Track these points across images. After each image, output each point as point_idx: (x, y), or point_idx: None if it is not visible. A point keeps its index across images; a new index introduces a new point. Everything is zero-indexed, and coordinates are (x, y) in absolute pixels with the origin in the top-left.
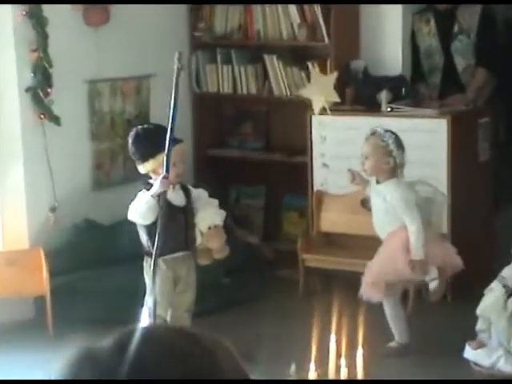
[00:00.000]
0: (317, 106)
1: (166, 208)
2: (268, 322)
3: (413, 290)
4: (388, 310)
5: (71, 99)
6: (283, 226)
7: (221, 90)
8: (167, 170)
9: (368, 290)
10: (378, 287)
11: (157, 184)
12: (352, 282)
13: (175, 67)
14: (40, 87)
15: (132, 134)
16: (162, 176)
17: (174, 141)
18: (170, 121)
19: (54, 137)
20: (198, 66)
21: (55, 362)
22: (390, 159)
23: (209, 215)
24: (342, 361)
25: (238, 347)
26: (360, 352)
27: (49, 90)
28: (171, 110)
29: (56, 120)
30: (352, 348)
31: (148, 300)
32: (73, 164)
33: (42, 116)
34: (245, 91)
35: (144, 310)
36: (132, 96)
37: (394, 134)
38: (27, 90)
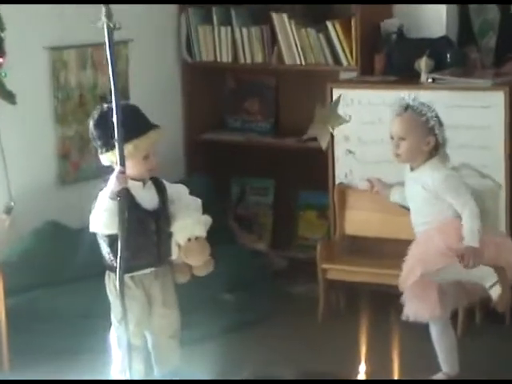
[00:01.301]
0: (324, 141)
1: (130, 211)
2: (280, 350)
3: (462, 310)
4: (436, 333)
5: (29, 71)
6: (298, 229)
7: (218, 59)
8: (122, 163)
9: (414, 307)
10: (429, 298)
11: (112, 181)
12: (385, 298)
13: (103, 25)
14: None
15: (95, 114)
16: (116, 171)
17: (146, 126)
18: (114, 99)
19: (7, 119)
20: (188, 29)
21: None
22: (430, 138)
23: (189, 223)
24: None
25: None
26: None
27: (0, 60)
28: (112, 87)
29: (10, 97)
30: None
31: (115, 325)
32: (32, 153)
33: None
34: (248, 60)
35: (112, 338)
36: (105, 67)
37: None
38: None
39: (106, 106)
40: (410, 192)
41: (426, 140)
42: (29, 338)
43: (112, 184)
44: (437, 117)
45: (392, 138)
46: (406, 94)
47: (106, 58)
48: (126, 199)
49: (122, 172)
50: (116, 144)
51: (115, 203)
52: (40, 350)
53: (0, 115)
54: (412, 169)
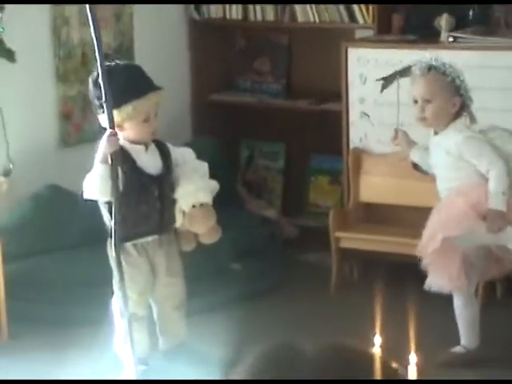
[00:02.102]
0: None
1: (131, 176)
2: (291, 322)
3: (482, 282)
4: (459, 305)
5: (29, 28)
6: (310, 195)
7: (227, 16)
8: (112, 126)
9: (436, 277)
10: (454, 268)
11: (102, 144)
12: (400, 268)
13: None
14: None
15: (94, 73)
16: (107, 133)
17: (147, 87)
18: (98, 59)
19: (6, 78)
20: None
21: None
22: (456, 99)
23: (194, 189)
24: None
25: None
26: (413, 360)
27: None
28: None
29: (9, 55)
30: (402, 355)
31: (117, 295)
32: (32, 114)
33: None
34: (259, 17)
35: (114, 307)
36: (110, 23)
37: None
38: None
39: (107, 64)
40: (434, 157)
41: (452, 101)
42: (28, 306)
43: (102, 147)
44: (462, 76)
45: (415, 101)
46: (427, 54)
47: (110, 13)
48: (118, 163)
49: (113, 134)
50: (124, 106)
51: (107, 168)
52: (40, 320)
53: None
54: (436, 133)
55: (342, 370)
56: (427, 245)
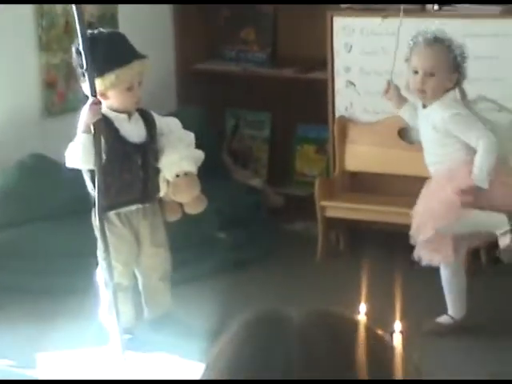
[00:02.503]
0: None
1: (114, 145)
2: (276, 291)
3: (467, 250)
4: (447, 276)
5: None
6: (295, 164)
7: None
8: (93, 94)
9: (428, 255)
10: (443, 244)
11: (84, 113)
12: (387, 237)
13: None
14: None
15: (77, 40)
16: (89, 101)
17: (130, 56)
18: (79, 27)
19: None
20: None
21: None
22: (454, 75)
23: (177, 158)
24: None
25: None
26: (398, 327)
27: None
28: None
29: None
30: (387, 323)
31: (101, 264)
32: (15, 83)
33: None
34: None
35: (99, 277)
36: None
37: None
38: None
39: (90, 32)
40: (422, 130)
41: (451, 77)
42: (12, 276)
43: (85, 116)
44: (465, 53)
45: (416, 71)
46: (436, 22)
47: None
48: (101, 132)
49: (96, 103)
50: (108, 74)
51: (89, 137)
52: (24, 290)
53: None
54: (424, 106)
55: (329, 336)
56: (418, 232)
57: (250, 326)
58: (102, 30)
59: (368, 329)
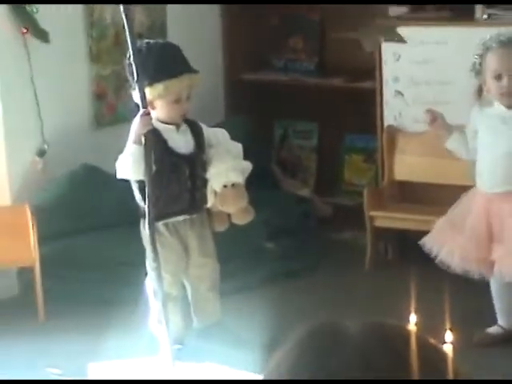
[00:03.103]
0: (368, 43)
1: (162, 156)
2: (325, 301)
3: None
4: (497, 285)
5: (62, 7)
6: (344, 173)
7: None
8: (144, 105)
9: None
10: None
11: (135, 124)
12: None
13: None
14: None
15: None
16: (140, 113)
17: (181, 68)
18: (129, 38)
19: (40, 58)
20: None
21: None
22: None
23: (225, 169)
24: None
25: (284, 333)
26: (449, 338)
27: None
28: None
29: (43, 35)
30: (438, 333)
31: (151, 275)
32: (67, 94)
33: (25, 30)
34: None
35: (148, 287)
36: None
37: None
38: None
39: (145, 41)
40: (499, 135)
41: None
42: (64, 287)
43: (135, 126)
44: None
45: (498, 75)
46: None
47: None
48: (151, 142)
49: (146, 114)
50: (157, 84)
51: (140, 148)
52: (76, 300)
53: (33, 55)
54: (510, 107)
55: (385, 347)
56: (437, 248)
57: (308, 338)
58: (157, 40)
59: (424, 340)
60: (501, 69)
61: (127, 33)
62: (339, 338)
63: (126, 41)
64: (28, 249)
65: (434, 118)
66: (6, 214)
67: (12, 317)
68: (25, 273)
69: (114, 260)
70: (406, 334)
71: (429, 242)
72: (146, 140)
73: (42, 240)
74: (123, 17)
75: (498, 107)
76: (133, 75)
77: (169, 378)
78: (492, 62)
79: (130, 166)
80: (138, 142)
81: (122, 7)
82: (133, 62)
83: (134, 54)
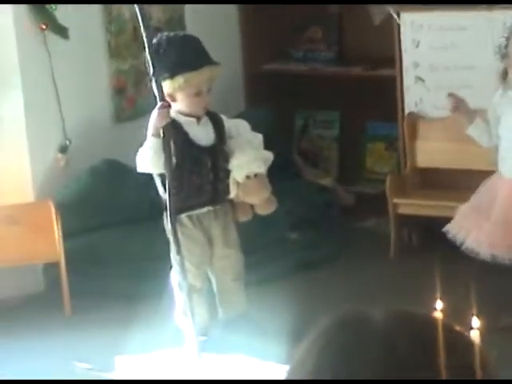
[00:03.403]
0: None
1: (184, 149)
2: (350, 289)
3: None
4: None
5: (80, 3)
6: (366, 162)
7: None
8: (162, 98)
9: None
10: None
11: (153, 117)
12: None
13: None
14: None
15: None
16: (158, 106)
17: (201, 61)
18: (144, 32)
19: (60, 54)
20: None
21: (75, 345)
22: None
23: (246, 160)
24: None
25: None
26: (475, 324)
27: None
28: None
29: (62, 31)
30: (464, 319)
31: (175, 267)
32: (87, 89)
33: (44, 27)
34: None
35: (173, 279)
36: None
37: None
38: None
39: (164, 34)
40: None
41: None
42: (88, 282)
43: (154, 119)
44: None
45: None
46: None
47: None
48: (171, 135)
49: (165, 106)
50: (178, 76)
51: (159, 141)
52: (101, 295)
53: (53, 51)
54: None
55: (411, 335)
56: (464, 235)
57: (335, 327)
58: (177, 32)
59: (449, 326)
60: None
61: (142, 26)
62: (364, 326)
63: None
64: (53, 245)
65: (457, 103)
66: (30, 210)
67: (39, 312)
68: (50, 269)
69: (137, 254)
70: (431, 321)
71: (453, 229)
72: (164, 133)
73: (66, 235)
74: (137, 10)
75: None
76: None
77: (194, 370)
78: None
79: (149, 159)
80: (156, 134)
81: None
82: (148, 55)
83: (149, 48)
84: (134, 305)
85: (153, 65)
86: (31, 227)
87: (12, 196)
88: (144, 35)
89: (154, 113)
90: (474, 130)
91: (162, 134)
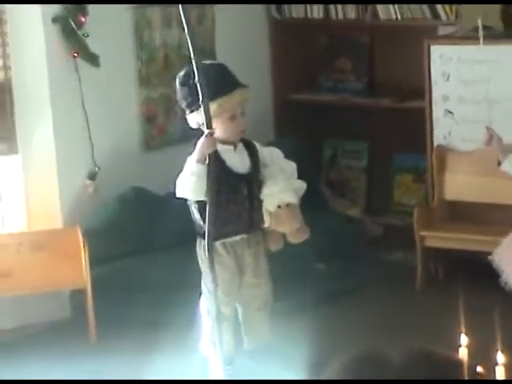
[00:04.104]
0: None
1: (221, 176)
2: (376, 321)
3: None
4: None
5: (112, 31)
6: (393, 193)
7: (309, 15)
8: (209, 125)
9: None
10: None
11: (199, 144)
12: (487, 267)
13: None
14: (71, 16)
15: (181, 73)
16: (205, 134)
17: (231, 85)
18: (192, 54)
19: (91, 82)
20: None
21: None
22: None
23: (278, 189)
24: (477, 370)
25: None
26: (501, 359)
27: (83, 20)
28: (188, 40)
29: (93, 59)
30: (489, 355)
31: (206, 295)
32: (116, 117)
33: (76, 54)
34: (340, 16)
35: (202, 307)
36: (192, 26)
37: None
38: (54, 19)
39: (190, 66)
40: None
41: None
42: (115, 309)
43: (201, 147)
44: None
45: None
46: None
47: (192, 16)
48: (215, 163)
49: (212, 134)
50: (202, 105)
51: (203, 167)
52: (127, 322)
53: (84, 78)
54: None
55: (427, 377)
56: (505, 263)
57: (352, 367)
58: (203, 62)
59: (468, 369)
60: None
61: (191, 53)
62: (382, 366)
63: (180, 63)
64: (80, 271)
65: (491, 136)
66: (58, 236)
67: (64, 338)
68: (77, 295)
69: (163, 282)
70: (452, 363)
71: (497, 258)
72: (209, 160)
73: (93, 262)
74: (187, 36)
75: None
76: (185, 98)
77: None
78: None
79: (191, 185)
80: (202, 161)
81: (186, 29)
82: (197, 82)
83: (198, 74)
84: (159, 333)
85: (202, 90)
86: (58, 253)
87: (40, 222)
88: (193, 62)
89: (202, 140)
90: (508, 166)
91: (207, 161)
